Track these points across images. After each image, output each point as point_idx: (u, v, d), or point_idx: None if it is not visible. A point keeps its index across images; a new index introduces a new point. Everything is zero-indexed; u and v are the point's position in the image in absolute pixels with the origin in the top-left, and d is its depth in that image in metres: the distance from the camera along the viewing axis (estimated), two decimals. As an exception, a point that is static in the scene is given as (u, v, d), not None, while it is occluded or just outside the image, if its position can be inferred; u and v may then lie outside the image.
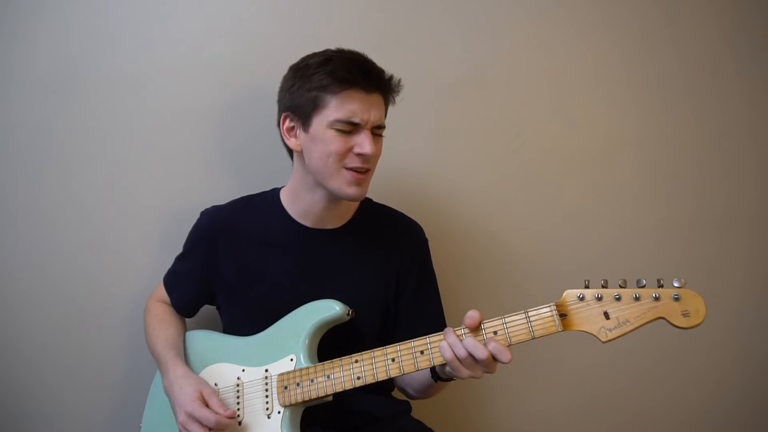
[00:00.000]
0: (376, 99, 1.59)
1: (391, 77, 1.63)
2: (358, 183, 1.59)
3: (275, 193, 1.79)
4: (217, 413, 1.48)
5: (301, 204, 1.72)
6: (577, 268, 2.18)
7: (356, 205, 1.78)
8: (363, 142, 1.56)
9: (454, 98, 2.15)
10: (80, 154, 2.00)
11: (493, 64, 2.17)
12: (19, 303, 1.99)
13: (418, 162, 2.10)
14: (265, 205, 1.77)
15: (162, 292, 1.85)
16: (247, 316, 1.71)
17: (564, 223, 2.21)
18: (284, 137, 1.67)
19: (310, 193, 1.68)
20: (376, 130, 1.61)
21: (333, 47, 1.65)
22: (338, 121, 1.55)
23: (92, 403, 2.01)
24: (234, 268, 1.72)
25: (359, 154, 1.57)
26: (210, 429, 1.47)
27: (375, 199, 1.84)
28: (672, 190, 2.26)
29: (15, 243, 1.98)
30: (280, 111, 1.68)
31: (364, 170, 1.59)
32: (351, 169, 1.58)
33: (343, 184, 1.59)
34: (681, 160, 2.26)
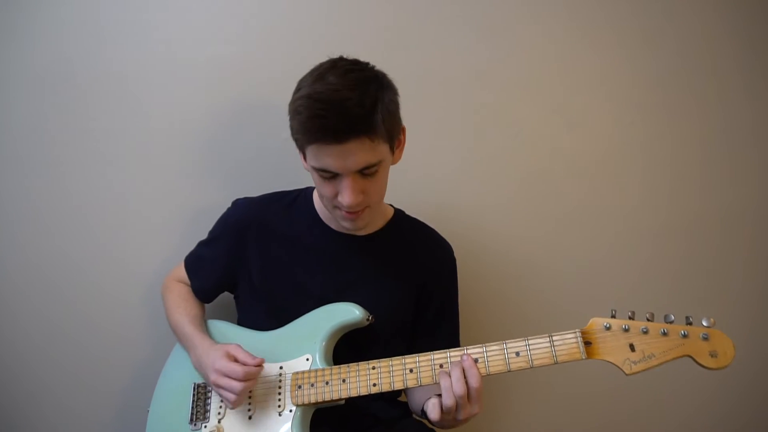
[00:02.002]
0: (354, 145, 1.43)
1: (367, 111, 1.43)
2: (352, 219, 1.57)
3: (308, 192, 1.79)
4: (243, 363, 1.51)
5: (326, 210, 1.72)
6: (577, 268, 2.21)
7: (389, 213, 1.79)
8: (343, 192, 1.49)
9: (455, 98, 2.15)
10: (78, 154, 2.00)
11: (495, 63, 2.16)
12: (17, 305, 1.98)
13: (418, 161, 2.08)
14: (297, 203, 1.77)
15: (182, 273, 1.84)
16: (266, 311, 1.71)
17: (565, 221, 2.21)
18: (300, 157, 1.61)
19: None
20: (366, 171, 1.49)
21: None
22: (315, 169, 1.50)
23: (93, 405, 2.02)
24: (260, 262, 1.72)
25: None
26: (241, 381, 1.49)
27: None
28: (674, 190, 2.26)
29: (12, 244, 1.98)
30: None
31: (355, 212, 1.55)
32: (342, 210, 1.56)
33: (338, 217, 1.60)
34: (683, 159, 2.26)
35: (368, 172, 1.50)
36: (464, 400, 1.39)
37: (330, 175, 1.49)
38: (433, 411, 1.43)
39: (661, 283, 2.23)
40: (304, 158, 1.55)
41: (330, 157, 1.44)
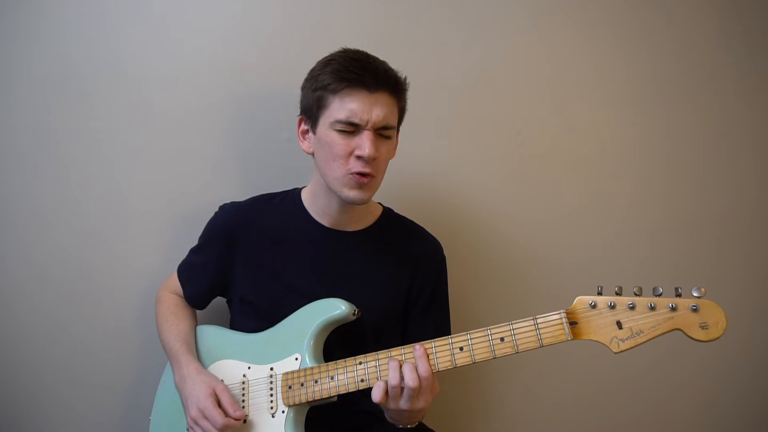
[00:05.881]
0: (381, 97, 1.55)
1: (396, 74, 1.61)
2: (360, 186, 1.57)
3: (296, 192, 1.79)
4: (227, 416, 1.51)
5: (319, 204, 1.71)
6: (576, 267, 2.20)
7: (377, 211, 1.80)
8: (362, 144, 1.53)
9: (454, 98, 2.15)
10: (80, 154, 1.99)
11: (493, 64, 2.16)
12: (19, 304, 1.98)
13: (418, 161, 2.09)
14: (285, 204, 1.78)
15: (175, 283, 1.83)
16: (259, 313, 1.70)
17: (563, 222, 2.21)
18: (299, 140, 1.69)
19: (326, 195, 1.67)
20: (383, 131, 1.57)
21: (338, 47, 1.63)
22: (338, 121, 1.54)
23: (93, 405, 2.01)
24: (249, 264, 1.72)
25: (359, 157, 1.54)
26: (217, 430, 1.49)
27: (388, 202, 1.85)
28: (672, 190, 2.26)
29: (15, 244, 1.98)
30: (299, 113, 1.69)
31: (366, 174, 1.56)
32: (353, 173, 1.56)
33: (344, 186, 1.58)
34: (681, 160, 2.26)
35: (384, 134, 1.58)
36: (415, 391, 1.41)
37: (351, 129, 1.54)
38: (376, 390, 1.43)
39: (658, 282, 2.17)
40: (314, 129, 1.61)
41: (358, 102, 1.53)
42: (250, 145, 2.05)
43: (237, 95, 2.04)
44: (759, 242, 2.28)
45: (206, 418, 1.50)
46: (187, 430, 1.59)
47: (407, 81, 1.64)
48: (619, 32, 2.22)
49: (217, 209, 1.81)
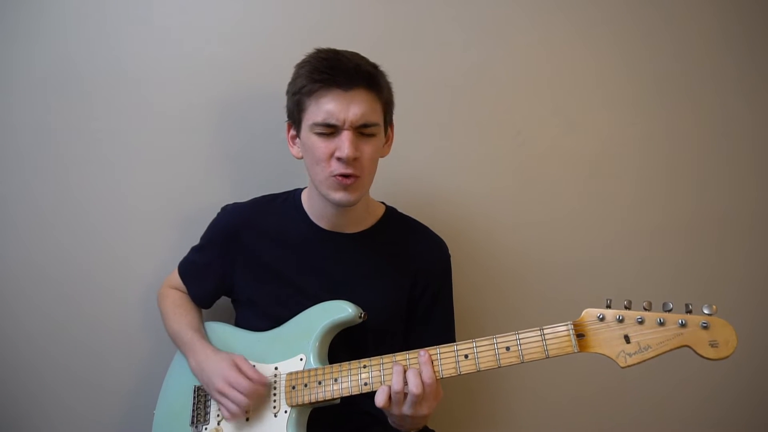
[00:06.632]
0: (358, 94, 1.52)
1: (371, 68, 1.57)
2: (344, 188, 1.56)
3: (297, 194, 1.79)
4: (251, 379, 1.52)
5: (315, 207, 1.71)
6: (576, 267, 2.20)
7: (379, 211, 1.78)
8: (341, 145, 1.51)
9: (454, 98, 2.15)
10: (80, 154, 1.99)
11: (493, 64, 2.16)
12: (19, 304, 1.98)
13: (417, 162, 2.10)
14: (286, 205, 1.77)
15: (177, 281, 1.84)
16: (263, 314, 1.70)
17: (563, 222, 2.20)
18: (289, 145, 1.67)
19: (320, 198, 1.65)
20: (363, 130, 1.54)
21: (339, 48, 1.61)
22: (316, 124, 1.52)
23: (96, 405, 2.02)
24: (251, 265, 1.72)
25: (339, 158, 1.52)
26: (246, 396, 1.51)
27: (387, 203, 1.84)
28: (672, 190, 2.26)
29: (15, 244, 1.98)
30: (286, 119, 1.67)
31: (348, 175, 1.54)
32: (335, 175, 1.54)
33: (329, 189, 1.57)
34: (681, 160, 2.26)
35: (366, 132, 1.54)
36: (419, 397, 1.41)
37: (329, 131, 1.52)
38: (380, 395, 1.43)
39: (658, 282, 2.24)
40: (299, 133, 1.59)
41: (333, 102, 1.50)
42: (250, 146, 2.05)
43: (237, 95, 2.04)
44: (759, 242, 2.29)
45: (233, 386, 1.51)
46: (194, 410, 1.64)
47: (387, 81, 1.61)
48: (618, 32, 2.21)
49: (217, 209, 1.84)
